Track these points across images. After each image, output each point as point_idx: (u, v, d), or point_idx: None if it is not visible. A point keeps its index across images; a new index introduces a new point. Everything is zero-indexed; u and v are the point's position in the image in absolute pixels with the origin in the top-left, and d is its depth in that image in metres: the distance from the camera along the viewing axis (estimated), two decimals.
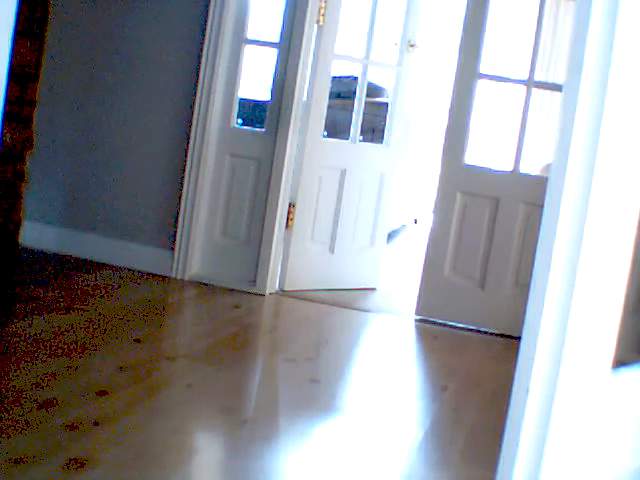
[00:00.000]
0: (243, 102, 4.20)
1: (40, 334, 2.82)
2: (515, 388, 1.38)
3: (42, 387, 2.31)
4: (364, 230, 4.24)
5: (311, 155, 3.98)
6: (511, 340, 3.46)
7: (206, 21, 3.91)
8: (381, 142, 4.37)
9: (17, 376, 2.37)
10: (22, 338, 2.76)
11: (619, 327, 1.34)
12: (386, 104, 4.43)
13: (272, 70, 3.96)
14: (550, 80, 5.74)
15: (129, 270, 4.02)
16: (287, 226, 3.96)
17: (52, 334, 2.84)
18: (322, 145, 4.06)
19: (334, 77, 4.47)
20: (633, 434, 1.56)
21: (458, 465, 2.24)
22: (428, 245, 3.88)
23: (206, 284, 3.90)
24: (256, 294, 3.86)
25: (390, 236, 5.28)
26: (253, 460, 2.05)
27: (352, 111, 4.21)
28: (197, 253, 3.99)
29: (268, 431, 2.31)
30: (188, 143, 3.98)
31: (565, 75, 1.32)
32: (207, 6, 3.90)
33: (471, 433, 2.47)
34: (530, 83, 3.79)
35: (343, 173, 4.12)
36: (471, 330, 3.74)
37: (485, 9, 3.72)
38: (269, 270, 3.90)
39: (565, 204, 1.29)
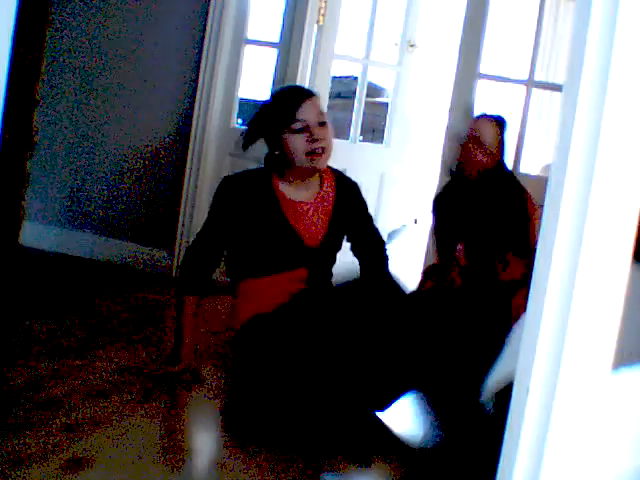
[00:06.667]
0: (243, 102, 4.20)
1: (40, 334, 2.82)
2: (515, 388, 1.38)
3: (42, 387, 2.31)
4: None
5: None
6: None
7: (206, 21, 3.91)
8: (381, 142, 4.37)
9: (17, 376, 2.37)
10: (22, 338, 2.76)
11: (619, 327, 1.34)
12: (386, 104, 4.44)
13: (272, 70, 3.96)
14: (550, 80, 5.74)
15: (129, 270, 4.02)
16: None
17: (52, 334, 2.84)
18: None
19: (334, 77, 4.48)
20: (633, 434, 1.56)
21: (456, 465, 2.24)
22: (428, 245, 3.87)
23: None
24: None
25: (390, 236, 5.28)
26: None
27: (352, 111, 4.21)
28: None
29: None
30: (188, 143, 3.98)
31: (565, 75, 1.32)
32: (207, 6, 3.91)
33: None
34: (530, 83, 3.79)
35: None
36: None
37: (485, 9, 3.72)
38: None
39: (565, 204, 1.29)
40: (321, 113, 2.51)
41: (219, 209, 2.58)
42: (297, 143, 2.47)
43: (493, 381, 2.08)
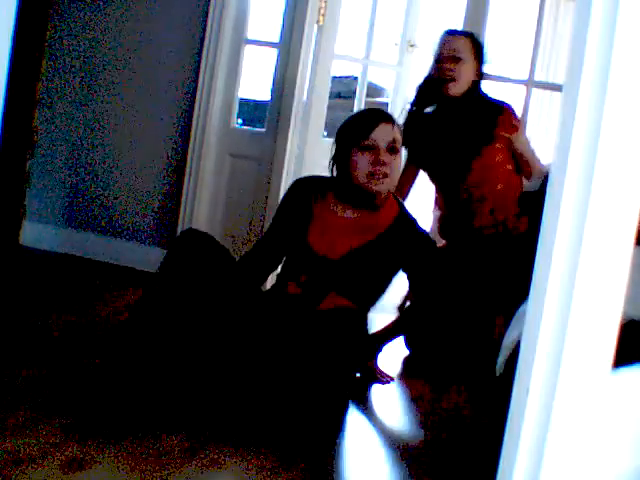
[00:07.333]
0: (243, 102, 4.21)
1: (40, 334, 2.82)
2: (515, 388, 1.38)
3: (42, 387, 2.31)
4: None
5: (311, 155, 3.98)
6: None
7: (206, 21, 3.91)
8: None
9: (17, 376, 2.37)
10: (22, 338, 2.76)
11: (619, 327, 1.34)
12: (386, 104, 4.44)
13: (272, 70, 3.96)
14: (550, 80, 5.74)
15: (129, 270, 4.01)
16: None
17: (52, 334, 2.84)
18: (322, 145, 4.06)
19: (334, 77, 4.48)
20: (633, 434, 1.56)
21: (458, 466, 2.24)
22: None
23: None
24: None
25: None
26: None
27: (352, 111, 4.20)
28: None
29: None
30: (188, 143, 3.98)
31: (565, 75, 1.32)
32: (207, 6, 3.91)
33: (472, 433, 2.47)
34: (530, 83, 3.79)
35: None
36: None
37: (485, 9, 3.72)
38: None
39: (565, 204, 1.29)
40: (394, 140, 2.51)
41: (280, 212, 2.67)
42: (361, 161, 2.48)
43: (503, 347, 2.12)
